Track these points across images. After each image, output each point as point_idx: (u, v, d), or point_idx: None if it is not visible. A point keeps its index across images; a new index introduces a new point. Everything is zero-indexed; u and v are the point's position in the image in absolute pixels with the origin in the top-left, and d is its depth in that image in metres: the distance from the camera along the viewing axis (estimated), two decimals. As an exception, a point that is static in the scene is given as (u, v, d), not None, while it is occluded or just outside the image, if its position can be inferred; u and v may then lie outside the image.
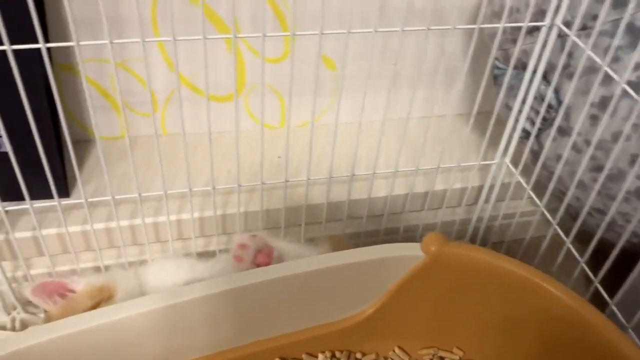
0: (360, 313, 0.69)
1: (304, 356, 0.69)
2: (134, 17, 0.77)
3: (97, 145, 0.64)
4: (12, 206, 0.74)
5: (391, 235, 0.86)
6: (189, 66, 0.84)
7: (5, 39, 0.52)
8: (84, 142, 0.87)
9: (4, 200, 0.67)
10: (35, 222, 0.68)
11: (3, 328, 0.78)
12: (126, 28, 0.78)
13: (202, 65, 0.76)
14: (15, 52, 0.53)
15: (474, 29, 0.63)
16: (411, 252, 0.64)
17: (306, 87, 0.73)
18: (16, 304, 0.77)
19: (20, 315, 0.78)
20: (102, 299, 0.68)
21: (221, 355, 0.64)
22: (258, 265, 0.63)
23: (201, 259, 0.77)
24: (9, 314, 0.78)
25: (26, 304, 0.80)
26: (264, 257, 0.63)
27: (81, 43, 0.54)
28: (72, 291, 0.70)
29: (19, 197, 0.77)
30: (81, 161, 0.85)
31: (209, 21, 0.80)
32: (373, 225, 0.85)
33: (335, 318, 0.69)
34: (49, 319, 0.70)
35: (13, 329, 0.78)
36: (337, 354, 0.70)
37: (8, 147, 0.61)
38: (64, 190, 0.79)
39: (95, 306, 0.67)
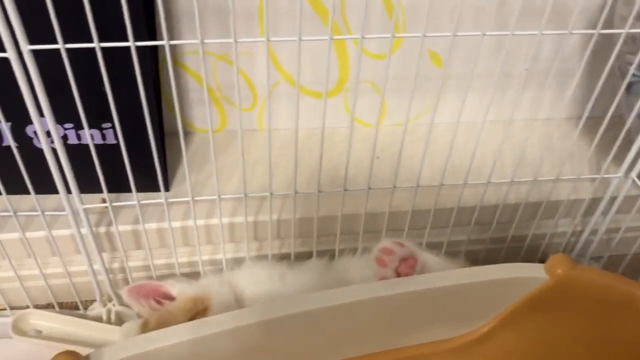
0: (472, 332, 0.64)
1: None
2: (240, 11, 0.74)
3: (209, 139, 0.62)
4: (119, 202, 0.73)
5: (496, 245, 0.82)
6: (293, 62, 0.81)
7: (130, 35, 0.50)
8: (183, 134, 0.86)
9: (102, 191, 0.67)
10: (140, 217, 0.67)
11: (99, 319, 0.78)
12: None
13: (305, 61, 0.73)
14: (125, 48, 0.51)
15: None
16: (534, 274, 0.60)
17: (410, 84, 0.69)
18: (112, 295, 0.77)
19: (115, 307, 0.78)
20: (197, 311, 0.66)
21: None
22: (399, 275, 0.60)
23: (288, 265, 0.75)
24: (104, 305, 0.78)
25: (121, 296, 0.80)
26: (406, 267, 0.60)
27: (206, 41, 0.51)
28: (167, 295, 0.69)
29: (120, 189, 0.77)
30: (179, 153, 0.84)
31: (315, 13, 0.77)
32: (476, 234, 0.80)
33: (444, 336, 0.65)
34: (144, 325, 0.69)
35: (109, 320, 0.77)
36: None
37: (121, 139, 0.59)
38: (165, 184, 0.77)
39: (191, 320, 0.65)
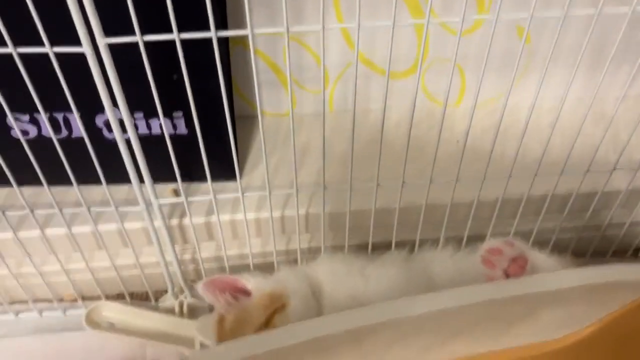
0: (572, 334, 0.59)
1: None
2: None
3: (279, 124, 0.58)
4: (190, 191, 0.71)
5: (590, 233, 0.76)
6: (367, 41, 0.76)
7: (212, 26, 0.46)
8: (248, 118, 0.82)
9: (171, 181, 0.64)
10: (215, 209, 0.64)
11: (171, 312, 0.76)
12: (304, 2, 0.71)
13: (379, 41, 0.68)
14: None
15: None
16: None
17: (493, 62, 0.63)
18: (184, 287, 0.75)
19: (187, 300, 0.76)
20: (275, 309, 0.63)
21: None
22: (508, 276, 0.56)
23: (366, 258, 0.71)
24: (176, 297, 0.76)
25: (192, 288, 0.78)
26: (516, 268, 0.56)
27: (292, 30, 0.47)
28: (243, 290, 0.66)
29: (190, 178, 0.74)
30: (247, 139, 0.80)
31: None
32: (568, 222, 0.75)
33: (540, 338, 0.60)
34: (220, 321, 0.66)
35: (181, 313, 0.76)
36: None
37: (197, 127, 0.56)
38: (233, 174, 0.74)
39: (269, 318, 0.62)
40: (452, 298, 0.52)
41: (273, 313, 0.63)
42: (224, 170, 0.72)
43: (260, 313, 0.63)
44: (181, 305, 0.76)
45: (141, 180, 0.60)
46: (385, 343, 0.53)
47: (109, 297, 0.80)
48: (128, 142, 0.57)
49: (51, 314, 0.76)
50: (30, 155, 0.56)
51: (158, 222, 0.65)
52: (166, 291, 0.76)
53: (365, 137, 0.77)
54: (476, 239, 0.72)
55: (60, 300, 0.79)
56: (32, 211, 0.61)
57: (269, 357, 0.49)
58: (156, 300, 0.78)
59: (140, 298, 0.80)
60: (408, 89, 0.80)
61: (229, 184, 0.73)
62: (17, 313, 0.76)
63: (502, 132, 0.60)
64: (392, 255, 0.71)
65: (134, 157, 0.58)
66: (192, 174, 0.72)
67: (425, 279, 0.68)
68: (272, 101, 0.82)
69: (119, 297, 0.79)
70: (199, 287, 0.66)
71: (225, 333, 0.65)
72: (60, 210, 0.61)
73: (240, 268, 0.78)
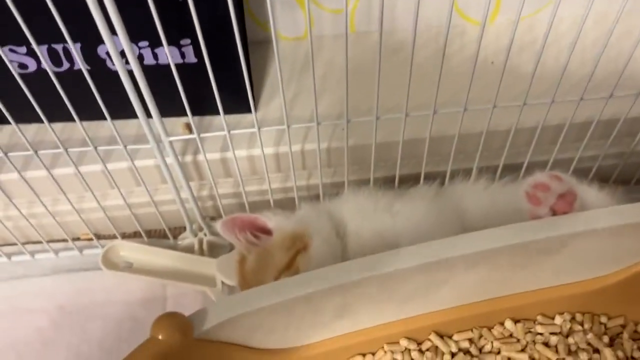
0: (612, 274, 0.55)
1: (539, 317, 0.58)
2: None
3: (295, 48, 0.52)
4: (202, 125, 0.66)
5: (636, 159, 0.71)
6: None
7: None
8: (262, 43, 0.76)
9: (183, 115, 0.59)
10: (230, 146, 0.59)
11: (190, 250, 0.73)
12: None
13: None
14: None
15: None
16: None
17: None
18: (203, 225, 0.72)
19: (207, 237, 0.73)
20: (297, 250, 0.60)
21: (458, 310, 0.55)
22: (555, 213, 0.51)
23: (393, 193, 0.67)
24: (195, 235, 0.73)
25: (211, 225, 0.75)
26: (564, 204, 0.50)
27: None
28: (263, 229, 0.63)
29: (202, 112, 0.69)
30: (262, 66, 0.74)
31: None
32: (614, 148, 0.69)
33: (578, 278, 0.56)
34: (241, 261, 0.63)
35: (200, 251, 0.73)
36: (578, 316, 0.58)
37: (205, 55, 0.50)
38: (249, 106, 0.69)
39: (292, 259, 0.59)
40: (495, 239, 0.48)
41: (295, 254, 0.60)
42: (239, 102, 0.67)
43: (282, 254, 0.60)
44: (200, 243, 0.73)
45: (149, 115, 0.55)
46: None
47: (125, 236, 0.77)
48: (131, 74, 0.52)
49: (68, 254, 0.74)
50: (27, 90, 0.51)
51: (170, 159, 0.61)
52: (184, 228, 0.73)
53: (391, 60, 0.71)
54: (511, 168, 0.67)
55: (76, 239, 0.77)
56: (36, 152, 0.57)
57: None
58: (174, 237, 0.75)
59: (158, 236, 0.78)
60: (436, 6, 0.72)
61: (245, 117, 0.68)
62: (33, 254, 0.73)
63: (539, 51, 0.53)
64: (421, 189, 0.66)
65: (139, 91, 0.53)
66: (205, 106, 0.67)
67: (457, 215, 0.63)
68: (286, 23, 0.75)
69: (136, 235, 0.77)
70: (218, 226, 0.62)
71: (246, 274, 0.62)
72: (66, 150, 0.57)
73: (260, 204, 0.74)
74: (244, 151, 0.65)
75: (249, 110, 0.68)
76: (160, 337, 0.43)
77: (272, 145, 0.66)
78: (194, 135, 0.57)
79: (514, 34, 0.51)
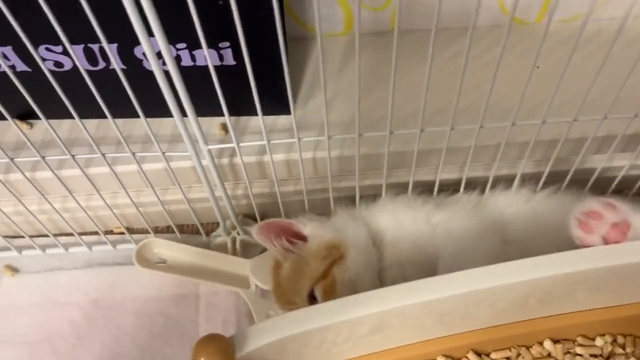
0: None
1: (579, 338, 0.57)
2: None
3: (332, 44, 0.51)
4: (238, 125, 0.65)
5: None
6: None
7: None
8: (299, 40, 0.74)
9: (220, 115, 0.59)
10: (268, 151, 0.58)
11: (224, 248, 0.73)
12: None
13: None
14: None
15: None
16: None
17: None
18: (236, 224, 0.71)
19: (240, 236, 0.72)
20: (333, 259, 0.59)
21: (497, 330, 0.54)
22: (606, 242, 0.49)
23: (432, 201, 0.65)
24: (228, 233, 0.73)
25: (243, 223, 0.74)
26: (617, 234, 0.49)
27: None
28: (299, 235, 0.62)
29: (238, 112, 0.68)
30: (299, 64, 0.73)
31: None
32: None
33: (621, 302, 0.55)
34: (276, 267, 0.62)
35: (234, 250, 0.72)
36: (620, 339, 0.57)
37: (246, 57, 0.48)
38: (286, 107, 0.68)
39: (327, 270, 0.58)
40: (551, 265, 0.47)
41: (332, 263, 0.59)
42: (276, 102, 0.66)
43: (318, 263, 0.59)
44: (234, 242, 0.72)
45: (184, 114, 0.53)
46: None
47: (158, 230, 0.77)
48: (168, 75, 0.50)
49: (101, 248, 0.74)
50: (58, 88, 0.49)
51: (206, 162, 0.60)
52: (218, 224, 0.73)
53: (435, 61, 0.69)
54: (555, 176, 0.65)
55: (109, 232, 0.77)
56: (73, 157, 0.57)
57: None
58: (207, 234, 0.75)
59: (190, 231, 0.77)
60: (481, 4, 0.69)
61: (282, 118, 0.67)
62: (67, 247, 0.74)
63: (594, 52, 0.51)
64: (461, 199, 0.65)
65: (176, 93, 0.51)
66: (242, 107, 0.65)
67: (498, 228, 0.62)
68: (324, 19, 0.73)
69: (168, 229, 0.77)
70: (254, 231, 0.62)
71: (282, 280, 0.62)
72: (104, 155, 0.56)
73: (295, 204, 0.73)
74: (281, 155, 0.64)
75: (287, 112, 0.68)
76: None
77: (311, 150, 0.64)
78: (233, 145, 0.56)
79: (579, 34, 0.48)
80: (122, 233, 0.76)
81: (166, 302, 0.72)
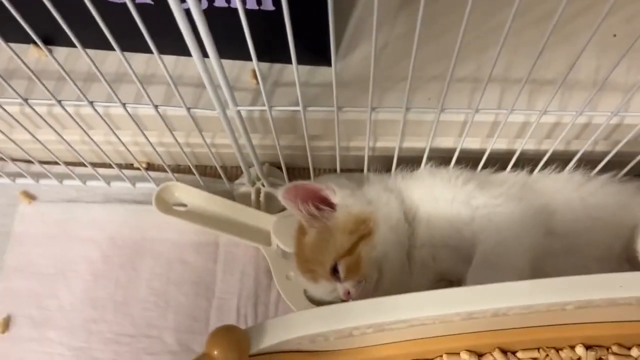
0: None
1: (614, 347, 0.54)
2: None
3: None
4: (272, 72, 0.59)
5: None
6: None
7: None
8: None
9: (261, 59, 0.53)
10: (303, 115, 0.53)
11: (247, 198, 0.69)
12: None
13: None
14: None
15: None
16: None
17: None
18: (260, 175, 0.67)
19: (265, 188, 0.68)
20: (361, 235, 0.55)
21: (527, 331, 0.51)
22: None
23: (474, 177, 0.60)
24: (253, 184, 0.69)
25: (269, 173, 0.70)
26: None
27: None
28: (327, 201, 0.58)
29: (273, 58, 0.62)
30: (341, 10, 0.65)
31: None
32: None
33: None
34: (300, 231, 0.59)
35: (257, 202, 0.69)
36: (658, 350, 0.54)
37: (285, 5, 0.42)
38: (325, 58, 0.61)
39: (353, 246, 0.55)
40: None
41: (358, 239, 0.55)
42: (315, 52, 0.60)
43: (344, 238, 0.56)
44: (258, 193, 0.69)
45: (205, 55, 0.47)
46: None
47: (180, 170, 0.74)
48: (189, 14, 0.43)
49: (120, 184, 0.71)
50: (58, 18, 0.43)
51: (231, 112, 0.54)
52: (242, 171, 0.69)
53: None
54: (617, 161, 0.59)
55: (130, 166, 0.74)
56: (91, 103, 0.52)
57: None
58: (231, 179, 0.71)
59: (214, 174, 0.74)
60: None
61: (319, 70, 0.61)
62: (84, 181, 0.71)
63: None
64: (507, 180, 0.59)
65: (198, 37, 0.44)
66: (279, 54, 0.60)
67: (544, 217, 0.57)
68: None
69: (191, 170, 0.73)
70: (279, 193, 0.58)
71: (305, 247, 0.59)
72: (124, 105, 0.52)
73: (325, 158, 0.69)
74: (316, 114, 0.58)
75: (326, 63, 0.62)
76: (215, 353, 0.40)
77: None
78: (265, 107, 0.50)
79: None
80: (145, 168, 0.72)
81: (185, 247, 0.70)
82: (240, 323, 0.66)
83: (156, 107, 0.52)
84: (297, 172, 0.73)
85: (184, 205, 0.68)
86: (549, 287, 0.42)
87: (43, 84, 0.50)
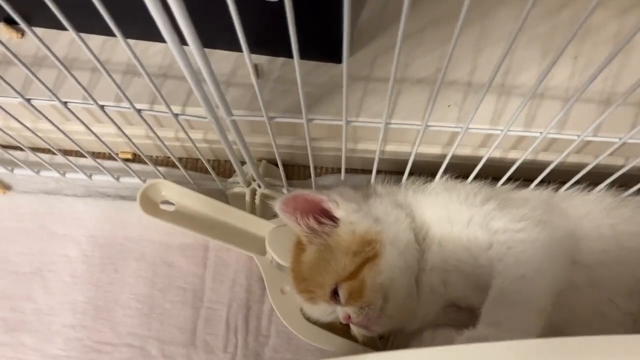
0: None
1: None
2: None
3: None
4: (272, 66, 0.52)
5: None
6: None
7: None
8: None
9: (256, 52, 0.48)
10: (306, 127, 0.46)
11: (241, 200, 0.63)
12: None
13: None
14: None
15: None
16: None
17: None
18: (255, 176, 0.61)
19: (261, 190, 0.62)
20: (366, 258, 0.49)
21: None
22: None
23: (493, 195, 0.53)
24: (248, 184, 0.62)
25: (267, 172, 0.64)
26: None
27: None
28: (328, 214, 0.51)
29: (276, 52, 0.55)
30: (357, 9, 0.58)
31: None
32: None
33: None
34: (297, 247, 0.53)
35: (252, 204, 0.63)
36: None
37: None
38: (333, 52, 0.54)
39: (357, 270, 0.49)
40: None
41: (363, 263, 0.50)
42: (322, 46, 0.53)
43: (347, 260, 0.50)
44: (253, 195, 0.63)
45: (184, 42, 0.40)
46: None
47: (169, 163, 0.68)
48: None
49: (103, 178, 0.64)
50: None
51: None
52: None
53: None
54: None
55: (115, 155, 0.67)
56: (64, 104, 0.45)
57: None
58: (224, 175, 0.65)
59: (207, 170, 0.67)
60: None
61: (325, 66, 0.54)
62: (64, 172, 0.64)
63: None
64: (530, 198, 0.53)
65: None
66: (281, 46, 0.53)
67: (570, 245, 0.51)
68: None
69: (182, 163, 0.67)
70: (277, 205, 0.52)
71: (302, 266, 0.53)
72: (102, 108, 0.45)
73: (327, 158, 0.63)
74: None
75: (333, 59, 0.55)
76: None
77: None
78: (263, 118, 0.44)
79: None
80: (128, 160, 0.66)
81: (172, 250, 0.64)
82: (230, 336, 0.61)
83: (139, 111, 0.45)
84: (296, 169, 0.67)
85: (172, 204, 0.62)
86: (565, 348, 0.37)
87: (35, 73, 0.43)
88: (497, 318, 0.45)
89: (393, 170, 0.61)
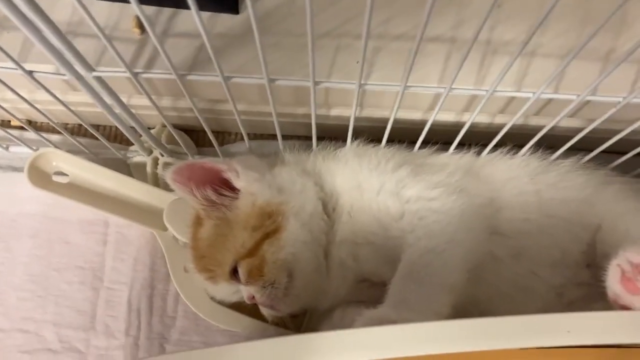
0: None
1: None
2: None
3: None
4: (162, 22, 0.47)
5: None
6: None
7: None
8: None
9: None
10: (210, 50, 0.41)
11: (142, 170, 0.57)
12: None
13: None
14: None
15: None
16: None
17: None
18: (151, 143, 0.54)
19: (164, 158, 0.57)
20: (266, 233, 0.44)
21: None
22: None
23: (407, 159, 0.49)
24: (149, 153, 0.57)
25: (170, 139, 0.58)
26: None
27: None
28: (228, 184, 0.46)
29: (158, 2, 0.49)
30: None
31: None
32: None
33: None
34: (197, 224, 0.48)
35: (154, 175, 0.57)
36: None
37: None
38: (230, 3, 0.48)
39: (256, 245, 0.44)
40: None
41: (263, 238, 0.44)
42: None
43: (246, 235, 0.45)
44: (155, 163, 0.57)
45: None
46: None
47: (68, 129, 0.61)
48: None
49: (-9, 147, 0.58)
50: None
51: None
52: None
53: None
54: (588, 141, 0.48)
55: (7, 124, 0.61)
56: None
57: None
58: (128, 142, 0.59)
59: (109, 137, 0.61)
60: None
61: (220, 17, 0.48)
62: (-55, 141, 0.58)
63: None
64: (448, 164, 0.49)
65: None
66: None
67: (489, 214, 0.47)
68: None
69: (81, 130, 0.61)
70: (168, 175, 0.46)
71: (200, 242, 0.48)
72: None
73: (233, 122, 0.57)
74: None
75: (230, 10, 0.49)
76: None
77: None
78: (127, 73, 0.38)
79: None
80: (21, 128, 0.60)
81: (69, 225, 0.58)
82: (132, 318, 0.56)
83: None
84: (207, 136, 0.61)
85: (66, 175, 0.56)
86: (467, 332, 0.33)
87: None
88: (403, 296, 0.41)
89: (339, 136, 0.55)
